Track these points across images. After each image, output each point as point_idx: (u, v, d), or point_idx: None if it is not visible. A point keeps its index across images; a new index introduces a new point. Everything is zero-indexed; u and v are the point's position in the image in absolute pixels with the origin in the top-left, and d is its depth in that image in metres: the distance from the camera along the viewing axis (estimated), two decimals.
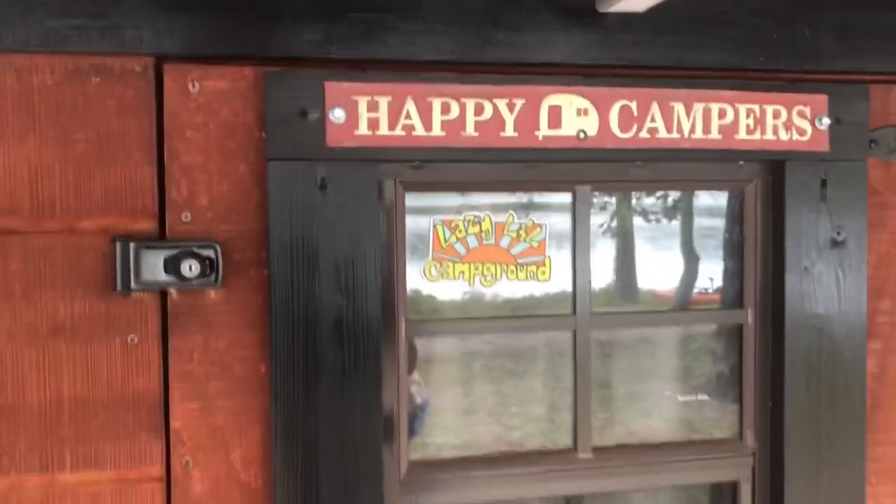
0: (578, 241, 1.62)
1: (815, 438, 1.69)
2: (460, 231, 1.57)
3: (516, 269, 1.60)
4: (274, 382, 1.46)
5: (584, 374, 1.63)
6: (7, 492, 1.42)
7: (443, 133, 1.48)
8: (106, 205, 1.43)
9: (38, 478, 1.43)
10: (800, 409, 1.68)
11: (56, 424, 1.43)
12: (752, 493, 1.72)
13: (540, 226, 1.61)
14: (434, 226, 1.57)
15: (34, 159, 1.40)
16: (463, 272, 1.58)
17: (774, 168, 1.68)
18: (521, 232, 1.60)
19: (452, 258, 1.57)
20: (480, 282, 1.59)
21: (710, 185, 1.73)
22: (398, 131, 1.46)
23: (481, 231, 1.58)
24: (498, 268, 1.59)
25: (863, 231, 1.70)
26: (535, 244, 1.61)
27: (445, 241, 1.57)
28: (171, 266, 1.42)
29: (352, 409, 1.48)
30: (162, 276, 1.42)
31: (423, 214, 1.57)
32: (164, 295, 1.45)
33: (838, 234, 1.67)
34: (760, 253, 1.70)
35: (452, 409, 1.72)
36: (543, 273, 1.61)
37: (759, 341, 1.71)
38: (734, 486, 1.73)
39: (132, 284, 1.41)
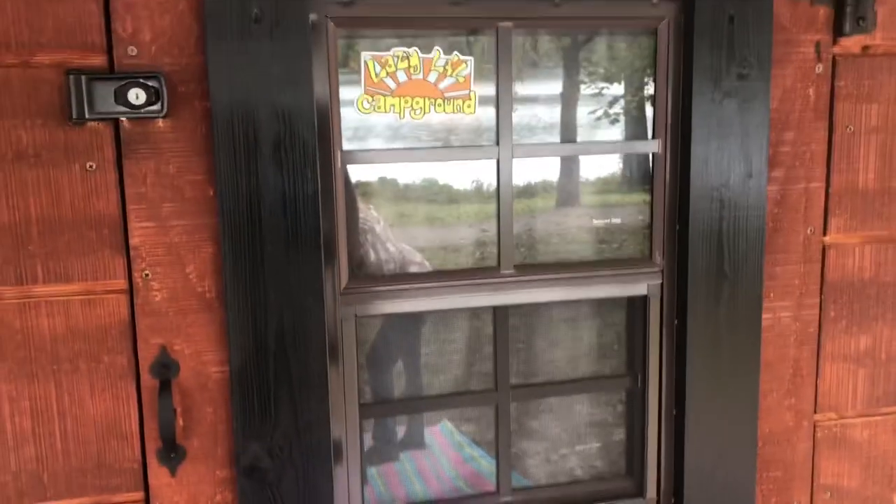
0: (501, 77, 1.75)
1: (718, 258, 1.87)
2: (390, 66, 1.70)
3: (443, 102, 1.74)
4: (221, 203, 1.62)
5: (506, 199, 1.80)
6: None
7: None
8: (58, 40, 1.55)
9: (14, 289, 1.61)
10: (704, 232, 1.85)
11: (27, 242, 1.60)
12: (660, 307, 1.92)
13: (465, 61, 1.73)
14: (365, 61, 1.69)
15: None
16: (393, 105, 1.72)
17: (685, 6, 1.79)
18: (448, 67, 1.73)
19: (383, 92, 1.70)
20: (410, 114, 1.73)
21: (627, 22, 1.84)
22: None
23: (410, 66, 1.71)
24: (426, 101, 1.73)
25: (767, 66, 1.83)
26: (461, 79, 1.74)
27: (376, 75, 1.70)
28: (121, 96, 1.55)
29: (294, 227, 1.65)
30: (112, 106, 1.56)
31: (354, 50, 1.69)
32: (116, 124, 1.59)
33: (743, 68, 1.80)
34: (672, 87, 1.84)
35: (388, 234, 1.89)
36: (469, 106, 1.75)
37: (668, 170, 1.87)
38: (644, 300, 1.93)
39: (86, 114, 1.55)
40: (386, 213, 1.87)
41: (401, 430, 2.10)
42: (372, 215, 1.85)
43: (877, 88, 1.94)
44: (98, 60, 1.57)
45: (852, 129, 1.94)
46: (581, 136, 1.92)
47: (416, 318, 2.00)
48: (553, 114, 1.90)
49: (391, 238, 1.88)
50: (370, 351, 1.98)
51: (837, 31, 1.88)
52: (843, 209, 1.97)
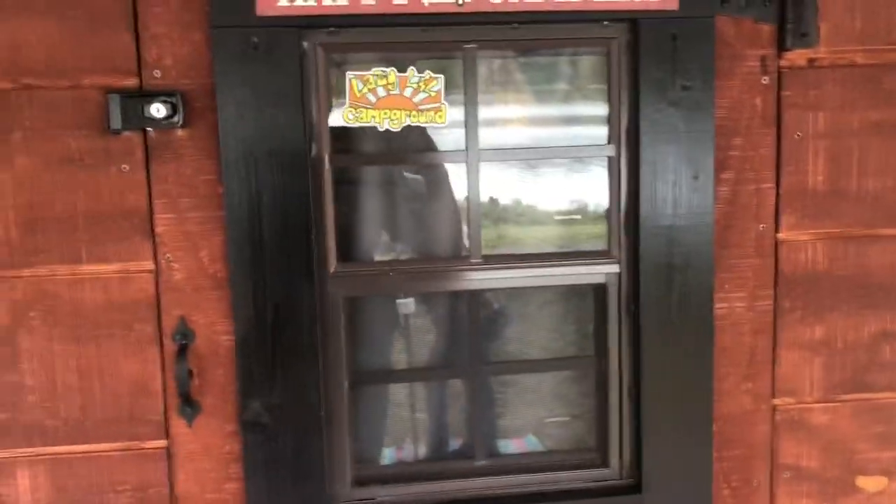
0: (468, 90, 2.03)
1: (668, 250, 2.08)
2: (371, 83, 2.01)
3: (417, 113, 2.03)
4: (227, 199, 1.95)
5: (475, 197, 2.07)
6: (46, 277, 1.98)
7: (346, 3, 1.90)
8: (99, 66, 1.92)
9: (65, 268, 1.98)
10: (655, 227, 2.08)
11: (74, 229, 1.97)
12: (617, 294, 2.15)
13: (436, 78, 2.02)
14: (349, 79, 2.00)
15: (42, 31, 1.90)
16: (374, 116, 2.02)
17: (633, 26, 2.03)
18: (421, 84, 2.02)
19: (365, 105, 2.01)
20: (389, 124, 2.03)
21: (581, 42, 2.10)
22: (311, 2, 1.90)
23: (388, 83, 2.01)
24: (402, 113, 2.02)
25: (710, 78, 2.04)
26: (432, 94, 2.03)
27: (359, 91, 2.01)
28: (147, 111, 1.92)
29: (288, 219, 1.97)
30: (142, 119, 1.92)
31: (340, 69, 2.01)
32: (145, 134, 1.96)
33: (687, 81, 2.02)
34: (625, 102, 2.07)
35: (373, 226, 2.19)
36: (440, 117, 2.03)
37: (623, 171, 2.10)
38: (603, 288, 2.16)
39: (121, 125, 1.92)
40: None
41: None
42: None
43: (823, 97, 2.12)
44: (131, 81, 1.94)
45: (801, 134, 2.12)
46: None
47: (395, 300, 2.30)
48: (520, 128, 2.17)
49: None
50: (359, 326, 2.28)
51: (781, 46, 2.08)
52: (795, 208, 2.15)
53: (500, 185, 2.19)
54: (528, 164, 2.23)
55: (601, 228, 2.16)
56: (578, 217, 2.21)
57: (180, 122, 1.91)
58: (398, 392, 2.41)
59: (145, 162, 1.96)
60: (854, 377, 2.22)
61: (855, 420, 2.24)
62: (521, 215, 2.22)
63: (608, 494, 2.18)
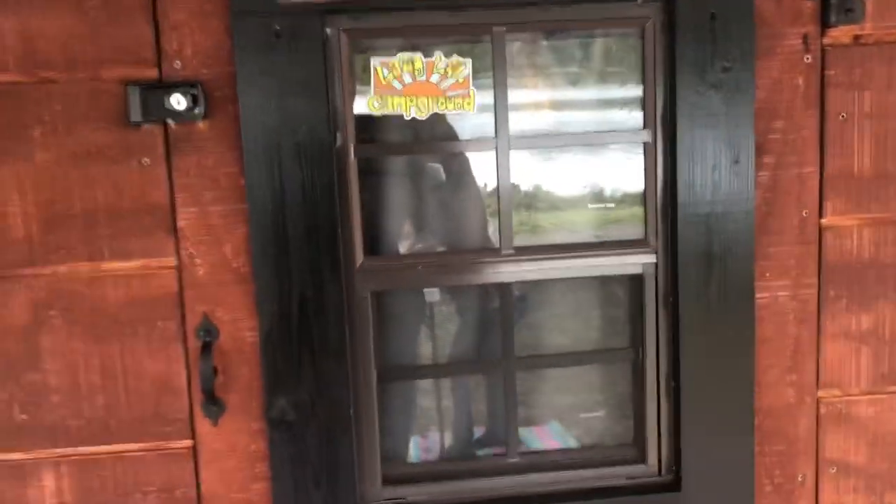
0: (497, 75, 1.96)
1: (707, 239, 2.00)
2: (396, 70, 1.94)
3: (445, 100, 1.96)
4: (250, 192, 1.90)
5: (505, 185, 2.00)
6: (69, 273, 1.93)
7: None
8: (119, 57, 1.87)
9: (87, 265, 1.94)
10: (694, 215, 2.00)
11: (96, 225, 1.92)
12: (654, 285, 2.07)
13: (464, 63, 1.95)
14: (374, 66, 1.94)
15: (60, 23, 1.85)
16: (400, 104, 1.95)
17: (668, 5, 1.95)
18: (448, 69, 1.95)
19: (390, 93, 1.95)
20: (416, 112, 1.96)
21: (614, 23, 2.01)
22: None
23: (414, 69, 1.95)
24: (429, 100, 1.96)
25: (750, 58, 1.95)
26: (461, 79, 1.96)
27: (384, 78, 1.94)
28: (168, 102, 1.86)
29: (313, 212, 1.91)
30: (162, 111, 1.87)
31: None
32: (165, 126, 1.90)
33: (726, 61, 1.94)
34: (660, 81, 1.99)
35: (399, 218, 2.13)
36: (469, 104, 1.96)
37: (660, 157, 2.02)
38: (640, 279, 2.08)
39: (141, 118, 1.87)
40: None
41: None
42: None
43: (869, 76, 2.02)
44: (150, 73, 1.88)
45: (845, 115, 2.03)
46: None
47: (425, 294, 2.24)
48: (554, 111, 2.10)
49: None
50: (387, 322, 2.22)
51: (825, 23, 1.98)
52: (839, 193, 2.06)
53: (530, 172, 2.11)
54: (560, 150, 2.15)
55: (636, 216, 2.08)
56: (612, 205, 2.13)
57: (201, 114, 1.86)
58: (428, 388, 2.35)
59: (166, 155, 1.91)
60: None
61: None
62: (551, 204, 2.15)
63: (646, 492, 2.11)
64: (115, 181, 1.91)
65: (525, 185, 2.11)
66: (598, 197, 2.15)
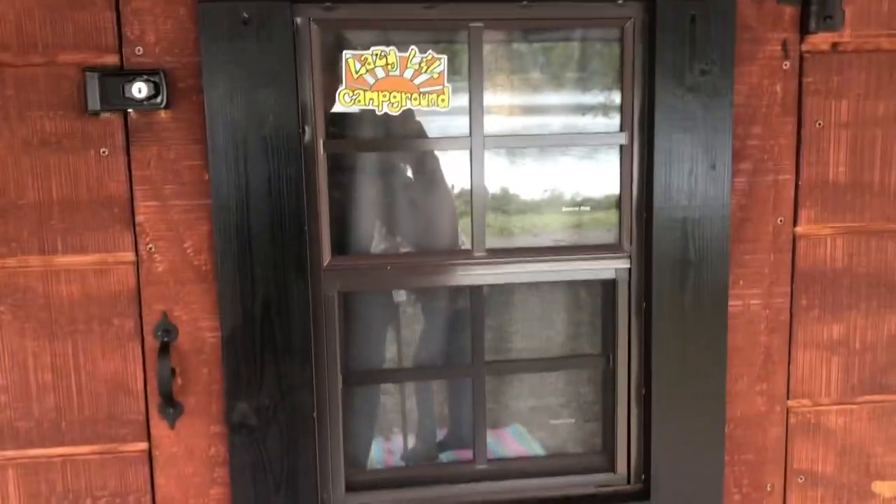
0: (473, 72, 1.90)
1: (683, 245, 1.97)
2: (369, 64, 1.87)
3: (419, 96, 1.90)
4: (214, 186, 1.82)
5: (478, 186, 1.94)
6: (17, 268, 1.84)
7: None
8: (78, 42, 1.78)
9: (39, 259, 1.84)
10: (669, 220, 1.96)
11: (49, 217, 1.83)
12: (627, 290, 2.03)
13: (439, 59, 1.89)
14: (346, 59, 1.87)
15: (18, 4, 1.75)
16: (372, 99, 1.89)
17: (649, 6, 1.91)
18: (423, 64, 1.89)
19: (362, 87, 1.88)
20: (388, 108, 1.89)
21: (594, 22, 1.97)
22: None
23: (387, 64, 1.88)
24: (402, 96, 1.89)
25: (730, 63, 1.92)
26: (435, 75, 1.90)
27: (356, 72, 1.87)
28: (128, 91, 1.77)
29: (278, 208, 1.84)
30: (122, 99, 1.78)
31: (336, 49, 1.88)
32: (125, 115, 1.82)
33: (706, 65, 1.90)
34: (637, 83, 1.95)
35: (368, 217, 2.07)
36: (443, 100, 1.91)
37: (636, 160, 1.98)
38: (613, 284, 2.04)
39: (100, 106, 1.78)
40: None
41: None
42: None
43: (847, 84, 2.01)
44: (111, 59, 1.80)
45: (822, 123, 2.01)
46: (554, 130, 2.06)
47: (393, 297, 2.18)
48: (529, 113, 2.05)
49: None
50: (354, 324, 2.15)
51: (804, 29, 1.96)
52: (814, 201, 2.04)
53: (503, 174, 2.06)
54: (534, 154, 2.10)
55: (610, 220, 2.04)
56: (587, 209, 2.08)
57: (163, 103, 1.78)
58: (394, 392, 2.29)
59: (125, 146, 1.83)
60: (872, 378, 2.12)
61: (872, 423, 2.14)
62: (524, 206, 2.10)
63: (615, 500, 2.07)
64: (70, 171, 1.82)
65: (498, 188, 2.05)
66: (572, 201, 2.11)
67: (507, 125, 2.05)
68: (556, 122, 2.08)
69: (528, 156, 2.11)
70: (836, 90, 2.00)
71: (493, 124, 1.95)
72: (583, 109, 2.08)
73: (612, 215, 2.03)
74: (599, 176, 2.07)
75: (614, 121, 2.00)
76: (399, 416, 2.35)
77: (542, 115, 2.08)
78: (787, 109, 2.00)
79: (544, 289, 2.26)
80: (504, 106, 2.09)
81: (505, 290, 2.27)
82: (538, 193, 2.11)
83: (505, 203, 2.07)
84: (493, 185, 2.03)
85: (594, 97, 2.06)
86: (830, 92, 2.00)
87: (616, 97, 1.99)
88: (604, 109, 2.06)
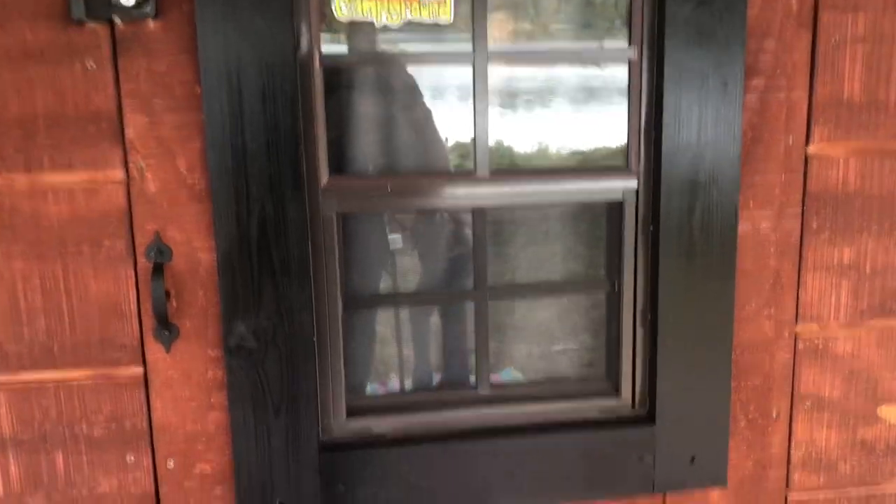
0: None
1: (693, 166, 1.91)
2: None
3: (419, 6, 1.81)
4: (206, 101, 1.74)
5: (481, 104, 1.87)
6: (5, 185, 1.76)
7: None
8: None
9: (25, 177, 1.77)
10: (679, 139, 1.89)
11: (34, 133, 1.75)
12: (635, 212, 1.97)
13: None
14: None
15: None
16: (371, 9, 1.80)
17: None
18: None
19: None
20: (387, 18, 1.81)
21: None
22: None
23: None
24: (402, 5, 1.81)
25: None
26: None
27: None
28: None
29: (273, 123, 1.76)
30: (108, 7, 1.69)
31: None
32: (112, 25, 1.73)
33: None
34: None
35: (370, 141, 1.99)
36: (445, 11, 1.82)
37: (644, 77, 1.91)
38: (619, 206, 1.98)
39: (85, 14, 1.69)
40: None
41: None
42: None
43: None
44: None
45: (837, 39, 1.93)
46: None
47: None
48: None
49: None
50: (355, 245, 2.09)
51: None
52: (827, 119, 1.97)
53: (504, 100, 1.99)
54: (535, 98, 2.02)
55: (617, 152, 1.97)
56: (594, 136, 2.01)
57: (152, 12, 1.69)
58: (394, 318, 2.24)
59: (112, 57, 1.74)
60: (882, 303, 2.08)
61: (880, 348, 2.11)
62: (526, 137, 2.03)
63: (619, 425, 2.04)
64: (55, 85, 1.74)
65: (499, 119, 1.98)
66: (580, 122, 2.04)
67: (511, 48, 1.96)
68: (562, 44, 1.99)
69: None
70: (854, 3, 1.92)
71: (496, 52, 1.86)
72: (592, 32, 1.99)
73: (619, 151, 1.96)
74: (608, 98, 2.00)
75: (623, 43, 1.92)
76: (407, 352, 2.31)
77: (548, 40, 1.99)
78: (803, 23, 1.92)
79: (551, 215, 2.19)
80: (509, 30, 2.00)
81: (508, 221, 2.21)
82: (544, 112, 2.03)
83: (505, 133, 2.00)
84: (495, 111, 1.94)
85: (604, 18, 1.98)
86: (848, 6, 1.92)
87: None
88: (612, 33, 1.98)
